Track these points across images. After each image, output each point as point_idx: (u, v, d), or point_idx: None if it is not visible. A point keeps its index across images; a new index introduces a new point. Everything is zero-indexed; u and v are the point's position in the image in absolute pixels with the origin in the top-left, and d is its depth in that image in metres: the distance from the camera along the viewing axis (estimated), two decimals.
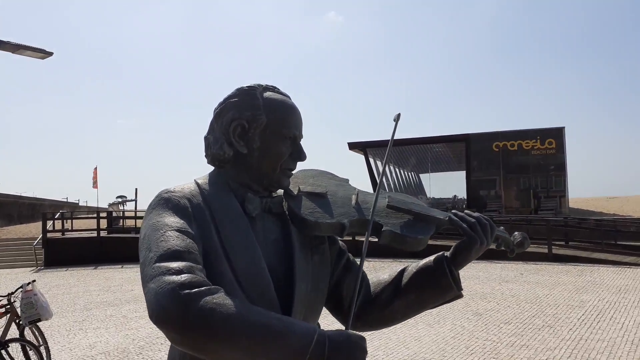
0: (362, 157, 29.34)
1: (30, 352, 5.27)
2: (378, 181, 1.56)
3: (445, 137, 27.84)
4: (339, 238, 1.42)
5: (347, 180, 1.48)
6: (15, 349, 5.33)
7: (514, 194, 25.49)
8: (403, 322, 5.89)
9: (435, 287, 1.31)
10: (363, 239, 1.24)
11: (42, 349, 5.18)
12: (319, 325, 1.28)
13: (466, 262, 1.33)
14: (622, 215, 23.26)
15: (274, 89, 1.35)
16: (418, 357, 5.59)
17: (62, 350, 6.42)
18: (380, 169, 30.78)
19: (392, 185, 32.06)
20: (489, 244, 1.33)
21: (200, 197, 1.23)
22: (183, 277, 0.98)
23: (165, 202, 1.20)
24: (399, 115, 1.42)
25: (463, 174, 27.49)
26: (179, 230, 1.11)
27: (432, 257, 1.36)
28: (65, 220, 19.47)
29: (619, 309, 7.58)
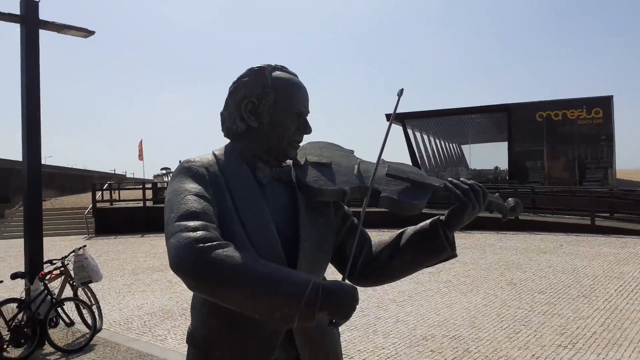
0: (400, 128, 29.05)
1: (84, 311, 5.72)
2: (379, 151, 1.61)
3: (486, 107, 27.15)
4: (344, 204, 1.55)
5: (352, 152, 1.59)
6: (70, 307, 5.78)
7: (559, 165, 24.74)
8: (435, 290, 5.99)
9: (430, 248, 1.43)
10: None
11: (94, 308, 5.60)
12: (324, 279, 1.42)
13: (459, 226, 1.43)
14: None
15: (282, 68, 1.47)
16: (448, 323, 5.71)
17: (112, 310, 6.89)
18: (420, 140, 30.41)
19: (432, 157, 31.67)
20: (481, 208, 1.42)
21: (216, 166, 1.38)
22: (198, 233, 1.14)
23: (186, 170, 1.35)
24: (402, 90, 1.50)
25: (505, 144, 26.84)
26: (196, 195, 1.26)
27: (428, 221, 1.47)
28: (113, 191, 20.37)
29: None
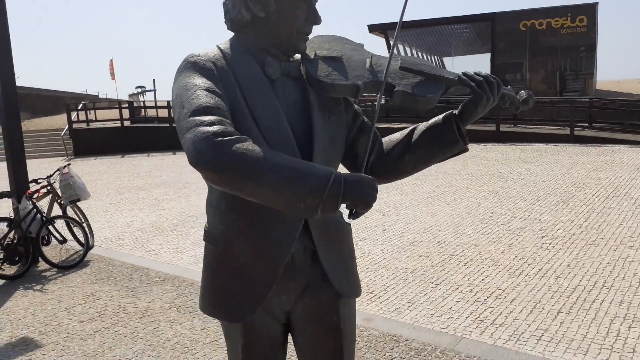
0: (382, 41, 28.31)
1: (75, 228, 5.74)
2: (392, 45, 1.55)
3: (470, 17, 26.42)
4: (353, 101, 1.51)
5: (361, 45, 1.52)
6: (60, 225, 5.79)
7: (540, 77, 24.68)
8: (420, 200, 6.09)
9: (443, 142, 1.41)
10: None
11: (84, 225, 5.62)
12: None
13: (473, 118, 1.41)
14: None
15: None
16: (434, 229, 5.91)
17: (102, 227, 6.94)
18: (402, 53, 29.76)
19: None
20: (495, 100, 1.40)
21: (223, 61, 1.31)
22: (215, 127, 1.10)
23: (192, 65, 1.28)
24: None
25: (487, 56, 26.49)
26: (207, 90, 1.21)
27: (440, 116, 1.45)
28: (88, 111, 19.80)
29: (635, 185, 7.71)
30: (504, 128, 14.88)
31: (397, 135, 1.50)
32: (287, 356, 1.79)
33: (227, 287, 1.37)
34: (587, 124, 15.19)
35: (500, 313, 3.63)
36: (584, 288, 4.01)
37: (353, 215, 1.21)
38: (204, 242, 1.45)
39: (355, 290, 1.50)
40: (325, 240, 1.41)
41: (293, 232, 1.34)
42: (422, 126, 1.46)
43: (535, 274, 4.35)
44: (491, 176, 9.19)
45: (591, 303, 3.73)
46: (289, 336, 1.51)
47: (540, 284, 4.14)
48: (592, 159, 10.52)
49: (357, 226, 6.17)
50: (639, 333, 3.23)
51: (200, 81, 1.23)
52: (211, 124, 1.11)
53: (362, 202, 1.14)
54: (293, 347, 1.51)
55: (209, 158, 1.07)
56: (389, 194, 7.90)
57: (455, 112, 1.43)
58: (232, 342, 1.45)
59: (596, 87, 25.08)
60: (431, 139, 1.42)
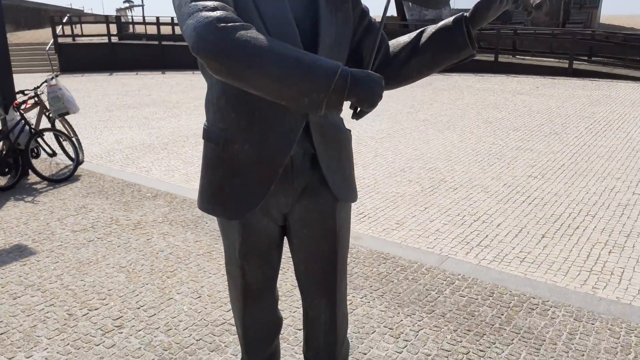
0: None
1: (64, 142, 5.67)
2: None
3: None
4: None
5: None
6: (49, 138, 5.71)
7: (543, 7, 23.88)
8: (413, 128, 6.03)
9: (452, 45, 1.35)
10: None
11: (73, 139, 5.54)
12: None
13: (484, 21, 1.35)
14: None
15: None
16: (425, 157, 5.92)
17: (91, 144, 6.86)
18: None
19: None
20: (508, 3, 1.33)
21: None
22: (218, 12, 1.05)
23: None
24: None
25: None
26: None
27: (450, 18, 1.38)
28: (73, 25, 18.99)
29: (628, 120, 7.71)
30: (502, 59, 14.59)
31: (404, 38, 1.44)
32: (282, 263, 1.83)
33: (226, 185, 1.37)
34: (586, 58, 14.93)
35: (487, 236, 3.73)
36: (569, 215, 4.10)
37: (357, 114, 1.19)
38: (203, 140, 1.43)
39: (352, 195, 1.50)
40: (325, 144, 1.39)
41: (293, 134, 1.32)
42: (430, 28, 1.40)
43: (523, 201, 4.43)
44: (486, 106, 9.12)
45: (575, 229, 3.83)
46: (285, 239, 1.53)
47: (527, 210, 4.22)
48: (588, 93, 10.44)
49: None
50: (618, 257, 3.35)
51: None
52: (214, 9, 1.05)
53: (368, 100, 1.10)
54: (288, 252, 1.53)
55: (212, 44, 1.02)
56: (382, 122, 7.84)
57: (467, 14, 1.36)
58: (229, 241, 1.47)
59: (600, 20, 24.40)
60: (439, 41, 1.36)
